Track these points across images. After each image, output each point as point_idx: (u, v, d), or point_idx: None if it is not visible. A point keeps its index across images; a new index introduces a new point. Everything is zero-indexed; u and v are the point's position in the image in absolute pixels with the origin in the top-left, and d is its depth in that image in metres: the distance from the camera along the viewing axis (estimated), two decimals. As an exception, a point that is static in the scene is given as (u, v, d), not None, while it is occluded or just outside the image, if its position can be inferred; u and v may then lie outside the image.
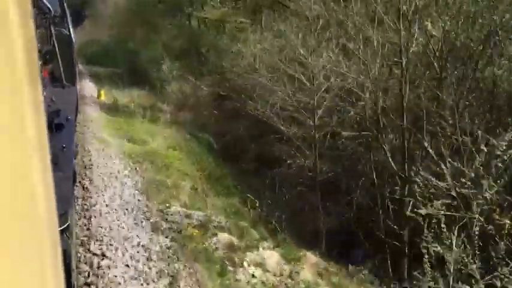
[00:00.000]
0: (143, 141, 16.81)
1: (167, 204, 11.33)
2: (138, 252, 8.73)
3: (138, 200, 10.87)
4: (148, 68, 35.51)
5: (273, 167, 16.47)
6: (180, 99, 28.59)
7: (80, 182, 10.39)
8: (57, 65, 7.55)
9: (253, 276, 9.23)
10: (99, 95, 25.54)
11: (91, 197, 10.24)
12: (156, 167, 13.75)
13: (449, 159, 10.46)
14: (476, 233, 9.38)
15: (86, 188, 10.74)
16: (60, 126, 5.76)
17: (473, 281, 8.69)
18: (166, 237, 9.57)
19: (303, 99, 15.22)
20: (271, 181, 15.44)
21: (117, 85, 32.41)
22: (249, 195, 13.63)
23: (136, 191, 11.33)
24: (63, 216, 4.40)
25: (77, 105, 8.69)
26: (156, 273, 8.18)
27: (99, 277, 7.62)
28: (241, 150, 22.11)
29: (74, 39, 9.75)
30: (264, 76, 17.77)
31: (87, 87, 28.58)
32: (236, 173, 17.24)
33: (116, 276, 7.74)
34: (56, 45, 7.36)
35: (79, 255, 8.17)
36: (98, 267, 7.89)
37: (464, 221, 9.87)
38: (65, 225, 4.51)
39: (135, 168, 13.27)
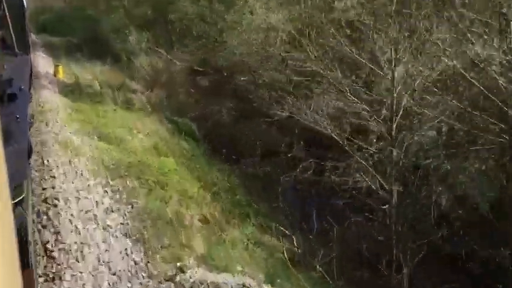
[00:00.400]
0: (120, 139, 12.60)
1: (178, 264, 7.20)
2: None
3: (134, 263, 6.74)
4: (111, 39, 30.64)
5: (286, 170, 12.47)
6: (152, 76, 24.16)
7: (40, 241, 6.52)
8: (8, 32, 6.97)
9: None
10: (56, 72, 20.73)
11: (59, 276, 6.11)
12: (146, 185, 9.70)
13: None
14: None
15: (51, 256, 6.45)
16: (13, 97, 5.36)
17: None
18: None
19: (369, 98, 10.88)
20: (294, 193, 11.49)
21: (76, 58, 27.46)
22: (276, 225, 9.70)
23: (128, 240, 7.31)
24: (18, 188, 4.13)
25: (31, 74, 8.32)
26: None
27: None
28: (233, 139, 18.24)
29: (25, 4, 8.80)
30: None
31: (42, 61, 23.68)
32: (242, 181, 13.23)
33: None
34: (6, 10, 6.67)
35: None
36: None
37: None
38: (20, 198, 4.09)
39: (118, 190, 9.12)
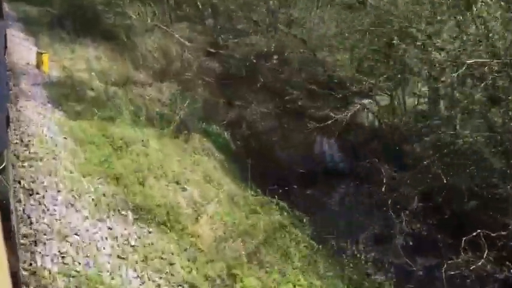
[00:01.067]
0: (175, 221, 7.42)
1: None
2: None
3: None
4: (101, 11, 24.49)
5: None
6: (160, 62, 18.41)
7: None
8: None
9: None
10: (40, 63, 14.55)
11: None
12: None
13: None
14: None
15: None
16: None
17: None
18: None
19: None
20: None
21: (60, 38, 21.44)
22: None
23: None
24: None
25: (5, 40, 7.92)
26: None
27: None
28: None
29: None
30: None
31: (19, 44, 17.69)
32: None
33: None
34: None
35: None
36: None
37: None
38: (1, 167, 3.66)
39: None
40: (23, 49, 16.67)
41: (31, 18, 27.34)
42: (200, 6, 23.94)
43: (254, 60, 18.54)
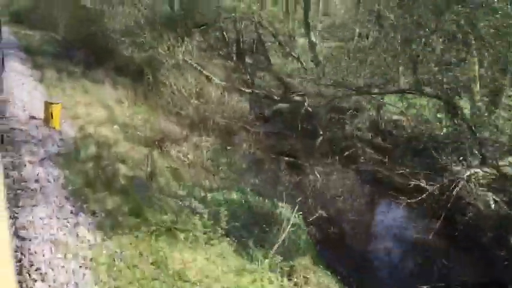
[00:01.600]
0: None
1: None
2: None
3: None
4: (115, 41, 20.34)
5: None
6: (195, 108, 14.15)
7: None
8: None
9: None
10: (49, 116, 10.01)
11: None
12: None
13: None
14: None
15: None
16: None
17: None
18: None
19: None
20: None
21: (69, 72, 17.12)
22: None
23: None
24: None
25: (2, 62, 8.04)
26: None
27: None
28: None
29: None
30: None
31: (20, 86, 13.29)
32: None
33: None
34: None
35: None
36: None
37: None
38: None
39: None
40: (24, 93, 12.36)
41: (34, 46, 23.08)
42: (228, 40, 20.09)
43: (309, 108, 14.54)
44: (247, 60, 19.70)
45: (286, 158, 12.96)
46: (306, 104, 14.73)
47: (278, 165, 12.51)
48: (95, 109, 12.60)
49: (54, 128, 10.10)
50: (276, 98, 16.92)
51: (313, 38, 18.69)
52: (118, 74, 18.03)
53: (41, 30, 28.84)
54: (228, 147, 13.30)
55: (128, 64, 18.96)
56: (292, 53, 18.66)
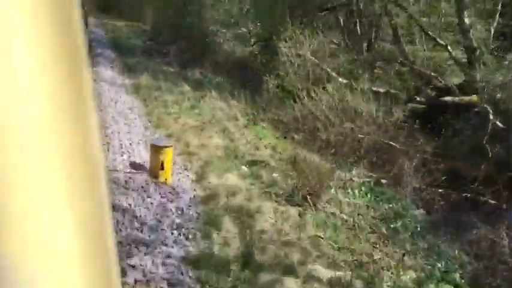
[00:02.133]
0: None
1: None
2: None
3: None
4: (218, 33, 16.38)
5: None
6: (343, 132, 10.02)
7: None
8: None
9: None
10: (158, 168, 6.15)
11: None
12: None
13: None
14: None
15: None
16: None
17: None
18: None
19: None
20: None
21: (165, 75, 13.46)
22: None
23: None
24: None
25: None
26: None
27: None
28: None
29: None
30: None
31: (114, 107, 9.78)
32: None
33: None
34: None
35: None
36: None
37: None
38: None
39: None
40: (119, 119, 8.72)
41: (121, 40, 19.87)
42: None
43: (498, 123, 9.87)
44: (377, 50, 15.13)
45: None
46: (490, 115, 10.10)
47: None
48: (210, 136, 8.77)
49: (166, 182, 6.36)
50: (421, 100, 12.35)
51: (466, 19, 13.64)
52: (219, 75, 14.25)
53: (127, 19, 25.85)
54: (384, 181, 9.15)
55: (231, 62, 15.14)
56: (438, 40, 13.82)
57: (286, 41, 11.33)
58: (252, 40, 14.72)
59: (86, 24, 12.94)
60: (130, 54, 15.85)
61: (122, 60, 14.63)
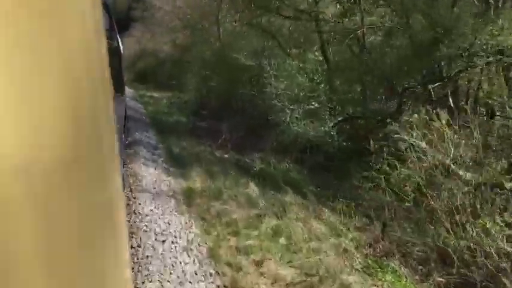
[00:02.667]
0: None
1: None
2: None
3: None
4: (284, 107, 12.80)
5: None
6: None
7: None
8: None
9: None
10: None
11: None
12: None
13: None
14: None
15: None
16: None
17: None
18: None
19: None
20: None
21: (222, 173, 9.98)
22: None
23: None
24: None
25: (125, 114, 7.57)
26: None
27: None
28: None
29: (122, 51, 7.41)
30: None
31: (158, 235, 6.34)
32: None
33: None
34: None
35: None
36: None
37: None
38: None
39: None
40: (167, 261, 4.96)
41: (162, 116, 16.62)
42: None
43: None
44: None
45: None
46: None
47: None
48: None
49: None
50: None
51: None
52: (288, 163, 10.50)
53: (166, 90, 22.91)
54: None
55: (303, 146, 11.41)
56: None
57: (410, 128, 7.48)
58: (330, 118, 11.00)
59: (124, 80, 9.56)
60: (175, 137, 12.34)
61: (167, 149, 11.05)
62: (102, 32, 0.44)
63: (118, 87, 6.86)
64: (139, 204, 6.68)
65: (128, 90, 19.79)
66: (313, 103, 11.40)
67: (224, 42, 17.01)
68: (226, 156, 11.55)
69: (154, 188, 7.49)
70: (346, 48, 11.48)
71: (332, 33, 11.63)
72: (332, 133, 11.30)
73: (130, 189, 7.08)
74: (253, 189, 8.80)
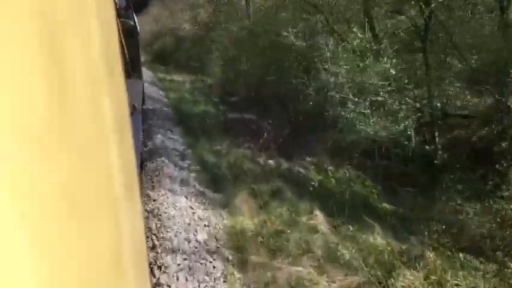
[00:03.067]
0: None
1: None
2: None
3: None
4: (341, 101, 9.97)
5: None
6: None
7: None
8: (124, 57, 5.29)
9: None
10: None
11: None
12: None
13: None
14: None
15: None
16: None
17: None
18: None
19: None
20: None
21: (265, 180, 7.32)
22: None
23: None
24: None
25: (143, 95, 7.58)
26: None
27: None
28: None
29: (138, 30, 7.40)
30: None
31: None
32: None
33: None
34: (122, 37, 5.05)
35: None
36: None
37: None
38: None
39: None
40: None
41: (185, 104, 13.94)
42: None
43: None
44: None
45: None
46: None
47: None
48: None
49: None
50: None
51: None
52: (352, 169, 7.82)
53: (188, 72, 20.08)
54: None
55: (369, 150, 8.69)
56: None
57: None
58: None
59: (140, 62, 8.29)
60: (205, 138, 9.68)
61: (198, 158, 8.38)
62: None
63: (135, 69, 6.25)
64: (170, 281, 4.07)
65: (146, 73, 17.21)
66: (384, 95, 8.59)
67: (256, 18, 14.12)
68: (271, 162, 8.89)
69: (189, 243, 4.86)
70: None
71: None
72: (409, 132, 8.52)
73: (154, 246, 4.48)
74: (320, 221, 6.16)
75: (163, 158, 7.74)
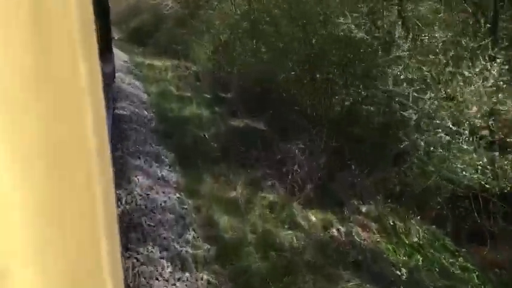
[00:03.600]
0: None
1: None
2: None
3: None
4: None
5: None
6: None
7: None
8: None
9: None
10: None
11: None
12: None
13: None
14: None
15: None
16: None
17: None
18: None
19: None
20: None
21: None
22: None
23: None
24: None
25: (113, 71, 7.09)
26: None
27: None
28: None
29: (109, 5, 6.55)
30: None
31: None
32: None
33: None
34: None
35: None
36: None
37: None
38: None
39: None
40: None
41: (170, 96, 10.25)
42: None
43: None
44: None
45: None
46: None
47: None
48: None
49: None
50: None
51: None
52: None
53: (170, 57, 16.09)
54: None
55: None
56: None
57: None
58: None
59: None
60: (202, 167, 6.15)
61: (196, 212, 4.90)
62: None
63: (105, 46, 5.63)
64: None
65: (121, 55, 13.52)
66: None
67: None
68: (314, 220, 5.51)
69: None
70: None
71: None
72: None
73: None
74: None
75: (144, 218, 4.20)
